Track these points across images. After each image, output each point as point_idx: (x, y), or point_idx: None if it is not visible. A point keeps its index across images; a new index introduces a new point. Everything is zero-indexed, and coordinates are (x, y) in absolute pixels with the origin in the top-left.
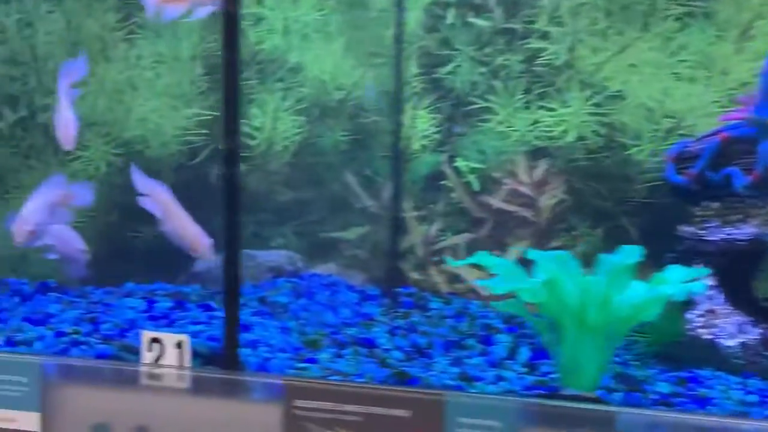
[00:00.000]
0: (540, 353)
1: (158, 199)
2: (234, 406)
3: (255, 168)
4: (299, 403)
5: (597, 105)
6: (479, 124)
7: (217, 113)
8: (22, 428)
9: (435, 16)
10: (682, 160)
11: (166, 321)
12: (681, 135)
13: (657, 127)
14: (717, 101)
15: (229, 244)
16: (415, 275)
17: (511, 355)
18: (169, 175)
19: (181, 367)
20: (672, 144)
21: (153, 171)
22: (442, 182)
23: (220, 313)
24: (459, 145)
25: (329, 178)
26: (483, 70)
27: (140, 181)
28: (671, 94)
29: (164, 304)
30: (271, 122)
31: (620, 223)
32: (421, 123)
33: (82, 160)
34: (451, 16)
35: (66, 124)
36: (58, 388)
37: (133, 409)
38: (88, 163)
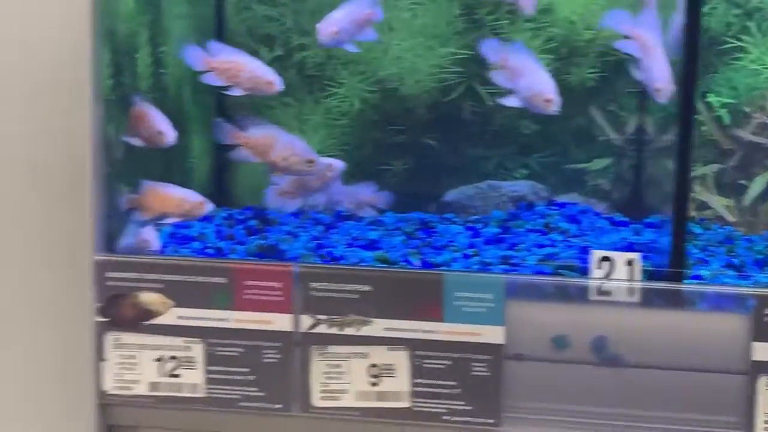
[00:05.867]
0: None
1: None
2: (686, 317)
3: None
4: None
5: None
6: (732, 62)
7: (473, 52)
8: (487, 341)
9: None
10: None
11: (506, 245)
12: None
13: None
14: None
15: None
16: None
17: None
18: (423, 111)
19: (631, 281)
20: None
21: (407, 108)
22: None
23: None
24: (711, 81)
25: (574, 113)
26: (737, 11)
27: None
28: None
29: (491, 229)
30: None
31: None
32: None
33: (337, 97)
34: None
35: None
36: (519, 303)
37: (588, 321)
38: (343, 100)
